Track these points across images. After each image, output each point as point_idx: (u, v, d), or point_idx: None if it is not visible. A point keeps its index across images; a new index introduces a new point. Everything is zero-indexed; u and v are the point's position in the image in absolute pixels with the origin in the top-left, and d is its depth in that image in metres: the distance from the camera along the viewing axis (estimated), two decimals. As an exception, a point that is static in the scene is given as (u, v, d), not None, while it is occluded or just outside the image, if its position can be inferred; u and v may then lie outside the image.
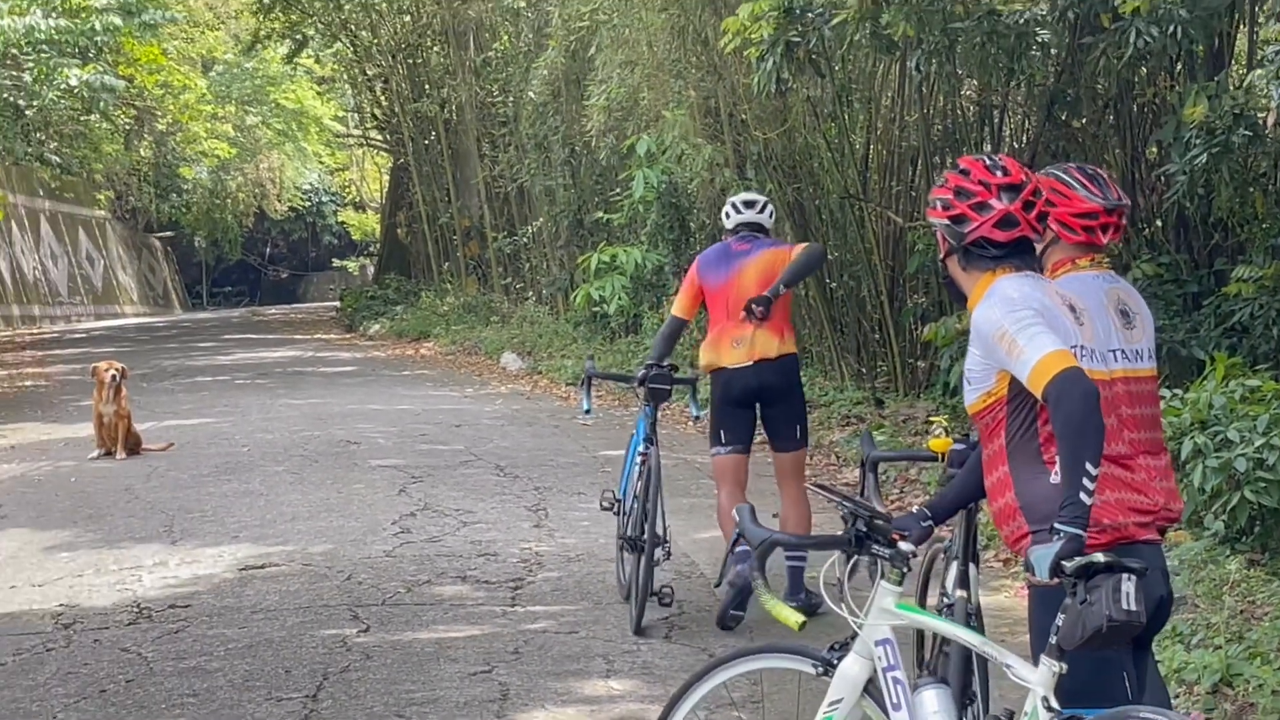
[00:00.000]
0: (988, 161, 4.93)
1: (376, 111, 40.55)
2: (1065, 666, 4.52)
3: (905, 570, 4.83)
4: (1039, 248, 5.21)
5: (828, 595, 5.10)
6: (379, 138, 43.45)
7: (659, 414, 9.79)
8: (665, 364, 9.61)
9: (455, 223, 33.76)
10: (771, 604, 4.76)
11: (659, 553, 9.20)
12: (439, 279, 34.99)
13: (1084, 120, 14.64)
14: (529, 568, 10.66)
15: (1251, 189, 11.69)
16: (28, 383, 24.71)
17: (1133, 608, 4.35)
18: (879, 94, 17.39)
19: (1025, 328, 4.62)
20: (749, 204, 9.65)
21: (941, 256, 5.07)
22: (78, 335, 37.05)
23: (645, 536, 9.10)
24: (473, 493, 13.44)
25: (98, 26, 20.82)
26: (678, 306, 9.77)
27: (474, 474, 14.40)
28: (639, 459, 9.47)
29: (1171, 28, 10.68)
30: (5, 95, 27.18)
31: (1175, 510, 5.15)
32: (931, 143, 16.17)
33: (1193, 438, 9.35)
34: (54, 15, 19.71)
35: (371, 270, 51.93)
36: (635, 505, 9.41)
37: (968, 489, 5.16)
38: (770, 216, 9.73)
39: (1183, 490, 9.53)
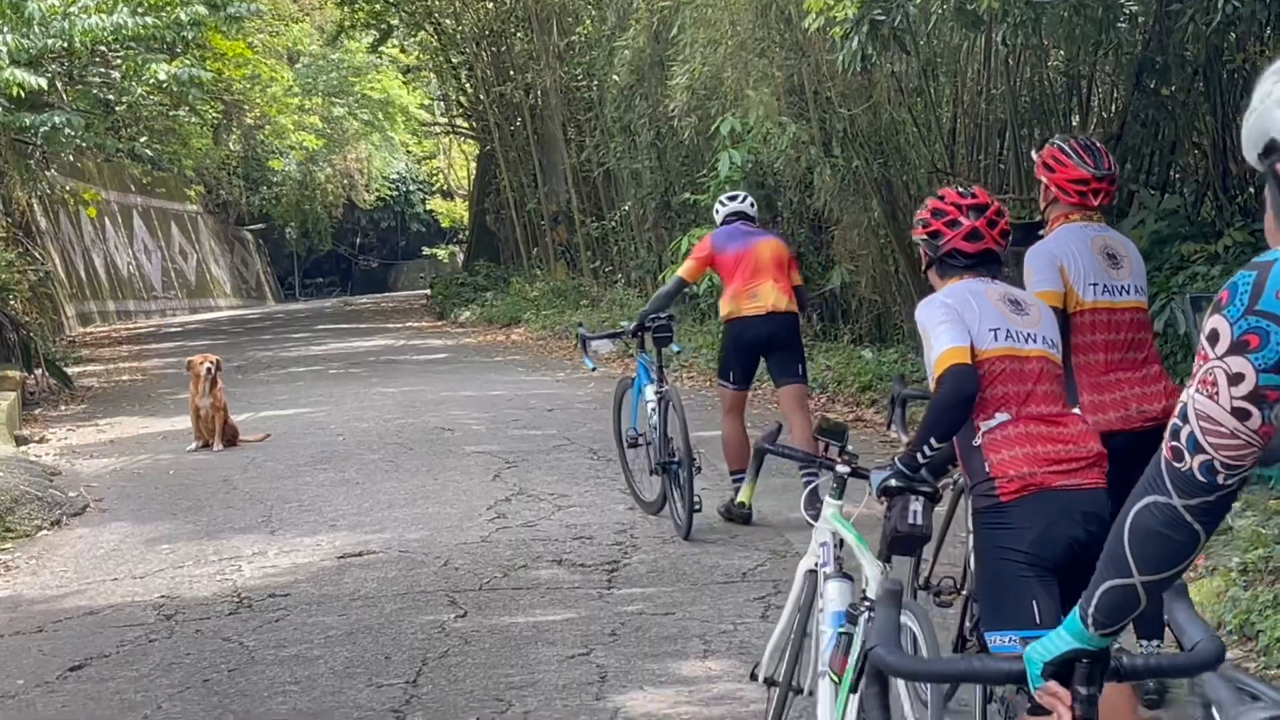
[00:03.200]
0: (960, 189, 5.98)
1: (462, 99, 40.62)
2: (888, 568, 5.76)
3: (840, 487, 6.04)
4: (1042, 205, 6.98)
5: (805, 514, 6.30)
6: (465, 125, 43.53)
7: (662, 358, 11.79)
8: (666, 315, 11.70)
9: (543, 208, 33.79)
10: (747, 486, 6.48)
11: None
12: (528, 265, 35.02)
13: (1173, 88, 14.48)
14: (624, 550, 10.69)
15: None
16: (125, 377, 24.98)
17: (917, 522, 5.56)
18: (964, 68, 17.26)
19: (937, 324, 5.61)
20: (732, 198, 11.97)
21: (924, 269, 6.04)
22: (172, 329, 37.41)
23: (676, 459, 10.97)
24: (567, 477, 13.48)
25: (183, 18, 20.95)
26: (685, 270, 11.75)
27: (568, 458, 14.43)
28: (655, 397, 11.39)
29: (1260, -9, 10.55)
30: (95, 92, 27.40)
31: (1161, 408, 6.56)
32: (1019, 115, 16.02)
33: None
34: (140, 11, 19.84)
35: (461, 258, 52.08)
36: (657, 436, 11.24)
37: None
38: (752, 207, 11.91)
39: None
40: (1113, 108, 15.99)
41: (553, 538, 11.14)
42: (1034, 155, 7.10)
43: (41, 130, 22.04)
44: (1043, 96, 16.24)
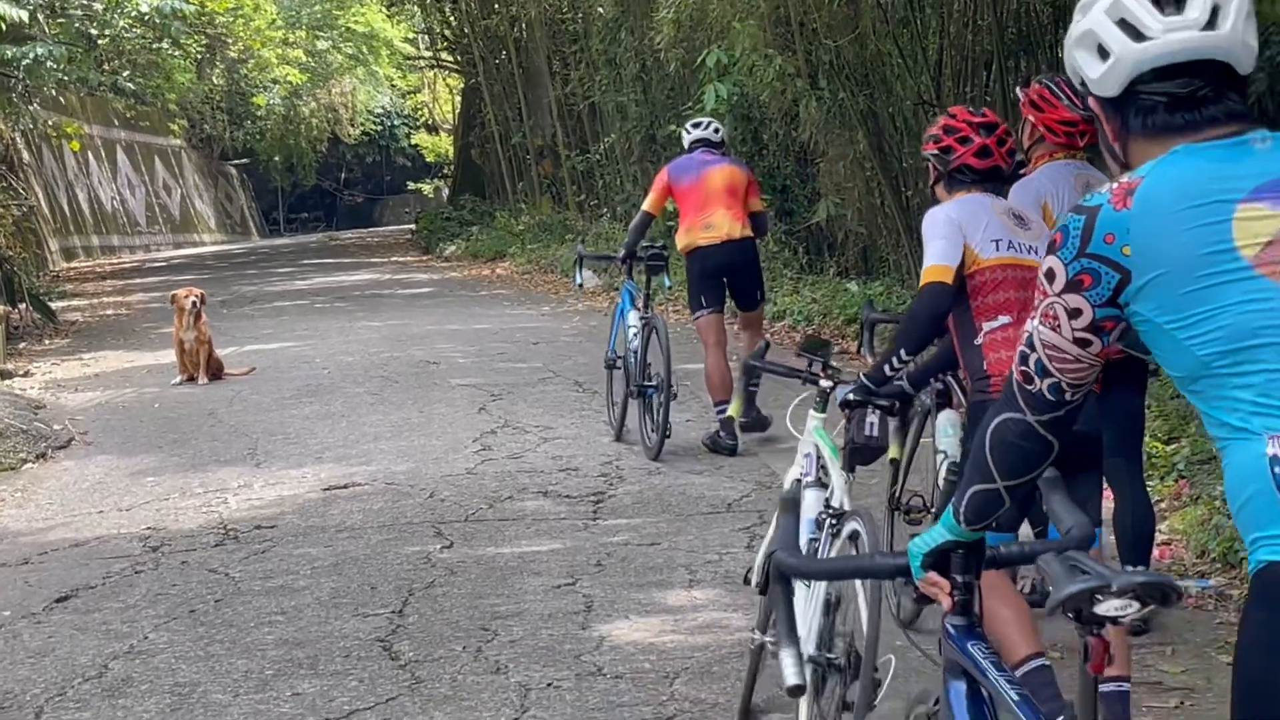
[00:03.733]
0: (971, 109, 6.20)
1: (446, 32, 40.46)
2: (850, 478, 6.00)
3: (823, 401, 6.31)
4: (1026, 144, 6.95)
5: (792, 428, 6.56)
6: (450, 59, 43.36)
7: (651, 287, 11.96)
8: (659, 245, 12.29)
9: (528, 142, 33.69)
10: (737, 401, 6.91)
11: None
12: (513, 199, 34.94)
13: (1160, 19, 14.39)
14: (610, 481, 10.70)
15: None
16: (109, 312, 24.94)
17: (872, 434, 5.90)
18: (951, -1, 17.19)
19: (934, 240, 5.86)
20: (697, 125, 12.30)
21: (931, 183, 6.24)
22: (157, 264, 37.34)
23: (653, 384, 11.36)
24: (552, 409, 13.48)
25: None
26: (648, 204, 12.08)
27: (553, 390, 14.44)
28: (640, 323, 11.63)
29: (1249, -80, 10.46)
30: (77, 25, 27.19)
31: None
32: (1005, 46, 15.95)
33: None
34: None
35: (446, 192, 51.94)
36: (635, 361, 11.54)
37: (937, 360, 6.48)
38: (718, 134, 12.14)
39: None
40: (1099, 39, 15.89)
41: (538, 469, 11.15)
42: (1018, 92, 7.11)
43: (23, 63, 21.91)
44: (1029, 28, 16.17)
